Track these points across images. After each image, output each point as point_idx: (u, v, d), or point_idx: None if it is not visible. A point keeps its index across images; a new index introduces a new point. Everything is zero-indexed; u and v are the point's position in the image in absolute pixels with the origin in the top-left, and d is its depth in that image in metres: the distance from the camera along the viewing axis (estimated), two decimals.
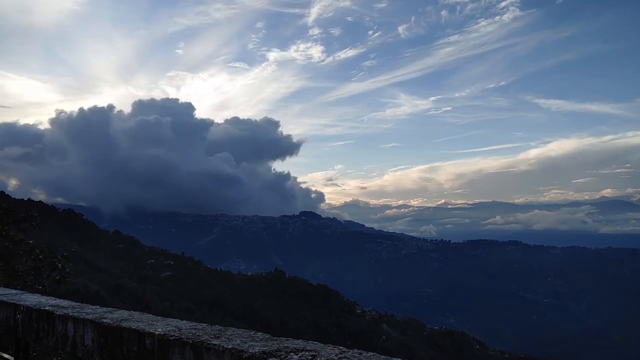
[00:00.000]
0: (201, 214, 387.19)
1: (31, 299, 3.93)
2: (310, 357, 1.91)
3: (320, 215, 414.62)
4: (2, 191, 72.68)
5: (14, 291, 4.58)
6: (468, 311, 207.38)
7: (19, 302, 3.80)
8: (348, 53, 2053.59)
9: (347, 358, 1.89)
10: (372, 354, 1.93)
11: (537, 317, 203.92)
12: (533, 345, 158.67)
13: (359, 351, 1.97)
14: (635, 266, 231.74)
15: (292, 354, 1.96)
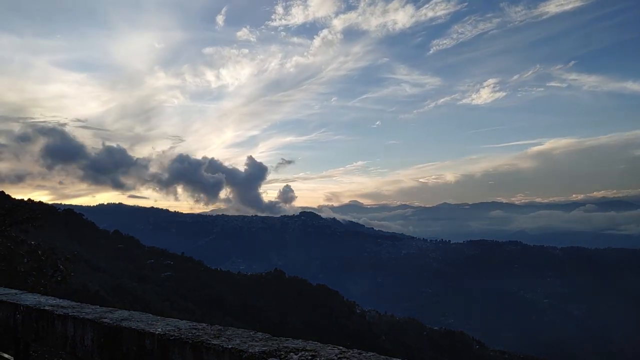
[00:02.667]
0: (201, 214, 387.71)
1: (31, 299, 3.92)
2: (310, 357, 1.92)
3: (320, 215, 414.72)
4: (2, 191, 72.56)
5: (13, 291, 4.56)
6: (468, 311, 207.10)
7: (18, 302, 3.79)
8: (438, 11, 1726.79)
9: (347, 358, 1.90)
10: (371, 354, 1.93)
11: (536, 317, 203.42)
12: (533, 346, 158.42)
13: (359, 351, 1.98)
14: (635, 266, 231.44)
15: (291, 353, 1.96)
